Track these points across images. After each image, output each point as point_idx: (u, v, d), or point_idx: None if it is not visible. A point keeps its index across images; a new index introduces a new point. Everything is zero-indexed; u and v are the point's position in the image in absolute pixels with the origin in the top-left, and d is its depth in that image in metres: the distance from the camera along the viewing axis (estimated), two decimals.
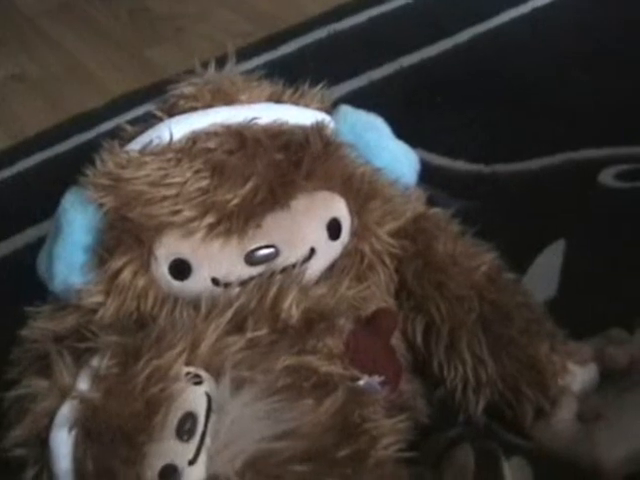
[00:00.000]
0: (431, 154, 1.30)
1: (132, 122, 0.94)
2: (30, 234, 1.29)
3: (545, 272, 1.14)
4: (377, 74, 1.52)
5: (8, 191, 1.42)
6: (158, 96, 0.94)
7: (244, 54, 1.46)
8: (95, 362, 0.75)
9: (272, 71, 0.97)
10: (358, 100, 0.99)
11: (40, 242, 0.91)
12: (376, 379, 0.80)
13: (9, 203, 1.39)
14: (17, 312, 0.90)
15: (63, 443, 0.72)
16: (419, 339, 0.90)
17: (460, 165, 1.32)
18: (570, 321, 0.93)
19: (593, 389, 0.91)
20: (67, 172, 0.88)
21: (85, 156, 0.88)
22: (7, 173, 1.44)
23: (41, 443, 0.74)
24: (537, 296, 0.97)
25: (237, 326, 0.78)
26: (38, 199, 1.09)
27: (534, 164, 1.30)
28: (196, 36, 1.71)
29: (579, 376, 0.90)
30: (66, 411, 0.73)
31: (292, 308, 0.79)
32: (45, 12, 1.81)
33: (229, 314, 0.78)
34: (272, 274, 0.83)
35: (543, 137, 1.34)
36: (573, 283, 1.12)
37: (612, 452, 0.83)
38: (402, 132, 0.97)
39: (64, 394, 0.74)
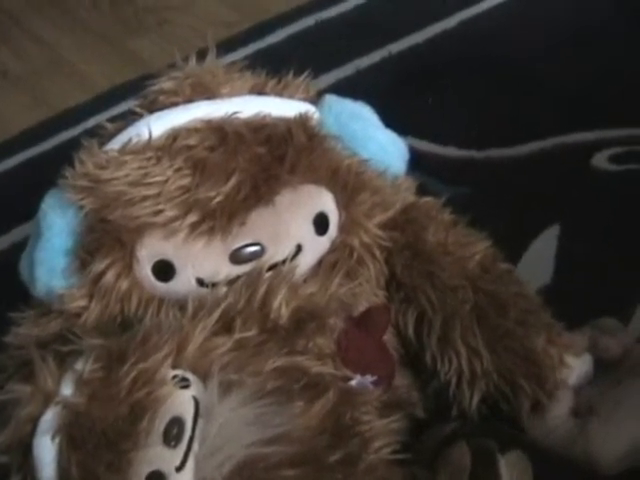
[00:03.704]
0: (421, 141, 1.29)
1: (118, 117, 0.92)
2: (16, 234, 1.29)
3: (540, 258, 1.13)
4: (365, 62, 1.51)
5: None
6: (144, 90, 0.92)
7: (230, 44, 1.46)
8: (79, 366, 0.73)
9: (258, 61, 0.95)
10: (346, 89, 0.98)
11: (26, 242, 0.90)
12: (368, 378, 0.79)
13: None
14: (2, 316, 0.88)
15: (47, 450, 0.70)
16: (410, 331, 0.88)
17: (451, 151, 1.31)
18: (566, 308, 0.91)
19: (588, 381, 0.89)
20: (53, 170, 0.86)
21: (71, 153, 0.86)
22: None
23: (24, 450, 0.72)
24: (532, 283, 0.95)
25: (225, 327, 0.76)
26: (24, 198, 1.08)
27: (527, 149, 1.29)
28: (181, 27, 1.70)
29: (576, 369, 0.88)
30: (50, 417, 0.71)
31: (282, 307, 0.77)
32: (26, 5, 1.80)
33: (216, 314, 0.76)
34: (260, 272, 0.81)
35: (535, 121, 1.33)
36: (568, 269, 1.11)
37: (607, 448, 0.82)
38: (391, 119, 0.96)
39: (47, 399, 0.72)
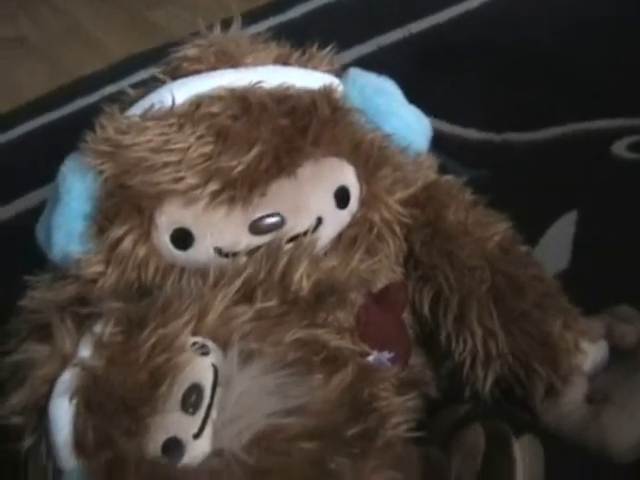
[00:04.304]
0: (441, 122, 1.28)
1: (135, 86, 0.91)
2: (31, 199, 1.28)
3: (557, 244, 1.12)
4: (385, 40, 1.50)
5: (9, 155, 1.41)
6: (162, 59, 0.91)
7: (251, 17, 1.44)
8: (98, 329, 0.72)
9: (279, 35, 0.94)
10: (366, 66, 0.96)
11: (41, 207, 0.89)
12: (386, 355, 0.78)
13: (10, 167, 1.38)
14: (17, 280, 0.87)
15: (63, 412, 0.70)
16: (426, 310, 0.88)
17: (471, 133, 1.30)
18: (582, 294, 0.91)
19: (603, 368, 0.89)
20: (69, 136, 0.85)
21: (87, 120, 0.85)
22: (8, 137, 1.44)
23: (40, 411, 0.72)
24: (549, 268, 0.95)
25: (246, 296, 0.75)
26: (39, 163, 1.09)
27: (546, 133, 1.29)
28: None
29: (591, 355, 0.88)
30: (67, 379, 0.70)
31: (303, 280, 0.77)
32: None
33: (238, 284, 0.75)
34: (280, 244, 0.80)
35: (556, 106, 1.32)
36: (585, 255, 1.10)
37: (621, 436, 0.82)
38: (411, 99, 0.95)
39: (65, 361, 0.71)
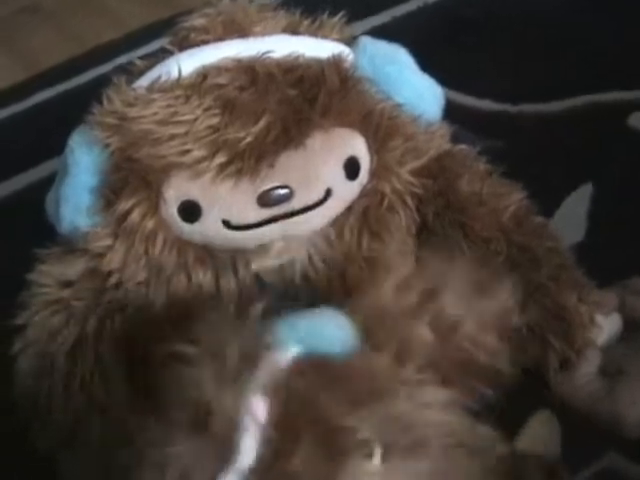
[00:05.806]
0: (456, 93, 1.27)
1: (149, 55, 0.90)
2: (44, 168, 1.28)
3: (572, 216, 1.11)
4: (400, 10, 1.49)
5: (23, 124, 1.41)
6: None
7: None
8: None
9: (289, 5, 0.93)
10: (381, 36, 0.95)
11: (54, 177, 0.89)
12: None
13: (23, 137, 1.38)
14: (28, 252, 0.87)
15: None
16: None
17: (486, 104, 1.29)
18: (597, 266, 0.90)
19: (616, 340, 0.88)
20: (83, 106, 0.85)
21: (101, 90, 0.85)
22: (22, 106, 1.44)
23: None
24: (564, 241, 0.94)
25: None
26: (53, 133, 1.07)
27: (562, 105, 1.28)
28: None
29: (605, 328, 0.87)
30: None
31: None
32: None
33: None
34: None
35: (572, 78, 1.31)
36: (600, 228, 1.10)
37: (634, 408, 0.81)
38: (426, 70, 0.93)
39: None
